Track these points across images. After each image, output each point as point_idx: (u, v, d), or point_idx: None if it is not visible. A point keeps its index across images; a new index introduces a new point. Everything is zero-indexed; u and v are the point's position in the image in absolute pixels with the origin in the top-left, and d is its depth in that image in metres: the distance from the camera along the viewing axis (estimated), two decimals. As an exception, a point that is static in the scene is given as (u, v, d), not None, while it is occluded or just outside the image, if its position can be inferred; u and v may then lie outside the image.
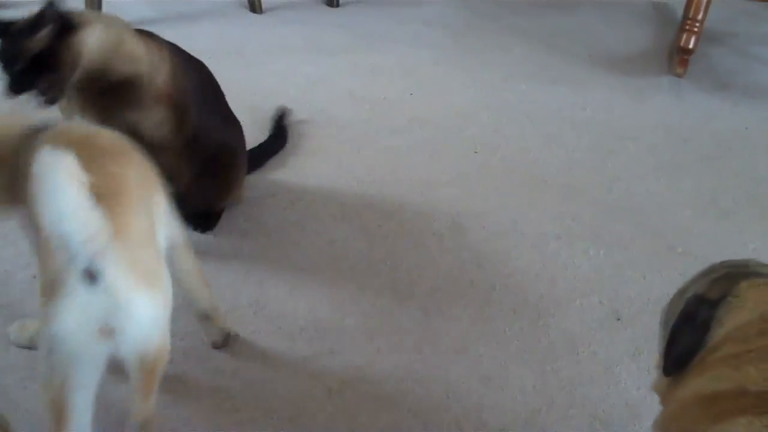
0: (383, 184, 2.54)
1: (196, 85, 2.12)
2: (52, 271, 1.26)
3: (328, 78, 3.20)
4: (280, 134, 2.70)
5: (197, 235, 2.23)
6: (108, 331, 1.28)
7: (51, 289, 1.25)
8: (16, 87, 1.81)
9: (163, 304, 1.37)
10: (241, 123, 2.31)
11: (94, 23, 1.88)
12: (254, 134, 2.57)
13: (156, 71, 1.99)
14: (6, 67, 1.82)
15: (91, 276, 1.23)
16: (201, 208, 2.26)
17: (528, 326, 2.02)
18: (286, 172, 2.55)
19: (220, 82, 2.23)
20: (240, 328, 1.94)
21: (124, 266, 1.27)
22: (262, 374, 1.83)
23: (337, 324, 1.99)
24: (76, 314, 1.25)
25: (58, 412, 1.32)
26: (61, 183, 1.18)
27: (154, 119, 2.00)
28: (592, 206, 2.49)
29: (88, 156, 1.31)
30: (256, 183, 2.46)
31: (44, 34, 1.80)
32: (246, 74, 3.14)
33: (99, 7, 3.41)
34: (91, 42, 1.87)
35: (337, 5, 3.94)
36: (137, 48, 1.95)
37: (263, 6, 3.81)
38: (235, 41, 3.47)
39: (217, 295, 1.88)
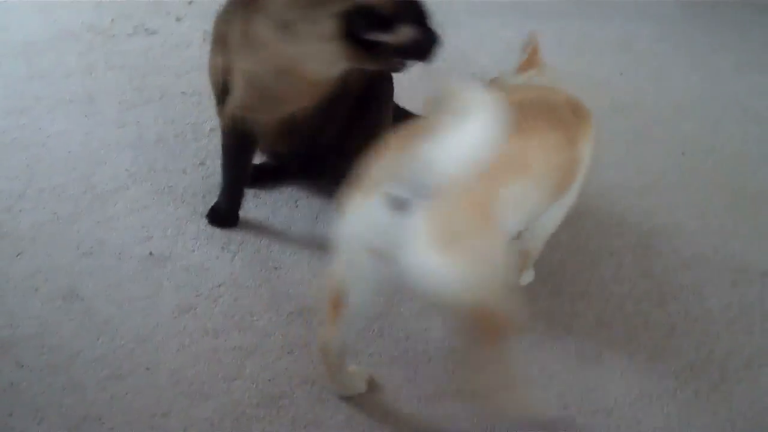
0: (565, 182, 2.20)
1: None
2: (375, 176, 1.25)
3: (530, 47, 2.86)
4: None
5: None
6: (378, 255, 1.27)
7: (362, 189, 1.26)
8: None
9: (457, 270, 1.25)
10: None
11: None
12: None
13: None
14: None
15: (400, 207, 1.20)
16: None
17: (705, 390, 1.67)
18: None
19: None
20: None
21: (431, 220, 1.21)
22: None
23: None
24: (357, 226, 1.27)
25: (333, 302, 1.39)
26: (480, 123, 1.15)
27: None
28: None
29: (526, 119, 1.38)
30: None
31: None
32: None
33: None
34: None
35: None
36: None
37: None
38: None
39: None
